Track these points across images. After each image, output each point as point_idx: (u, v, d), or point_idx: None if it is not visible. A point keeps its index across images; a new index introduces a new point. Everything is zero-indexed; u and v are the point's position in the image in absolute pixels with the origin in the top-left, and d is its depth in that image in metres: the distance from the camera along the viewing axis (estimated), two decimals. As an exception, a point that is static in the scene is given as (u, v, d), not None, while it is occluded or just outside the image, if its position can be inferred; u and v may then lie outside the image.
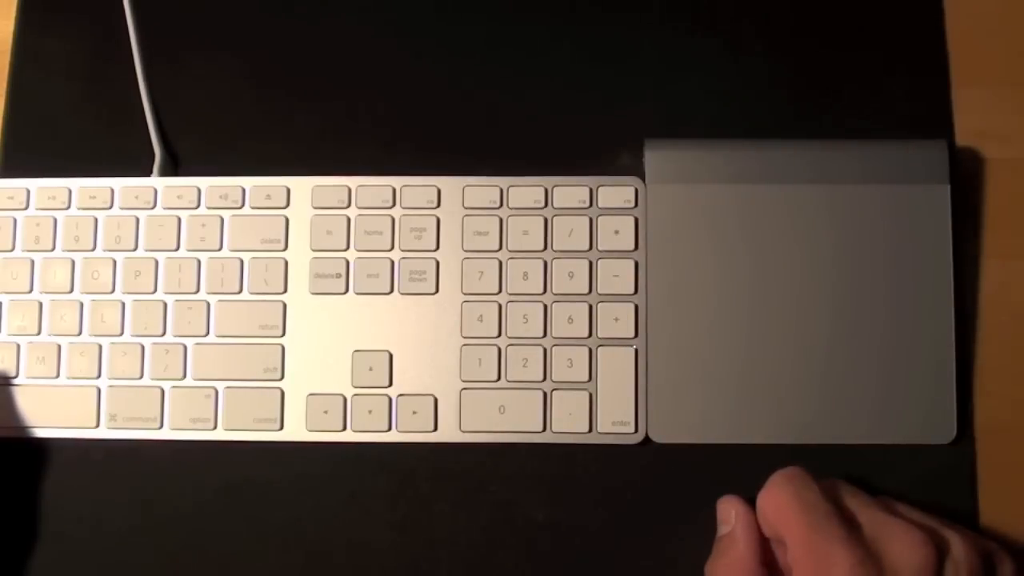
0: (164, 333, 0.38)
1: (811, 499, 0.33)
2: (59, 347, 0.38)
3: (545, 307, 0.38)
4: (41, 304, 0.39)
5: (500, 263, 0.38)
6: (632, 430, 0.37)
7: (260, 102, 0.41)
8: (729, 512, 0.36)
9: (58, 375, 0.38)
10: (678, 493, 0.38)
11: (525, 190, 0.39)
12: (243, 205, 0.39)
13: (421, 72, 0.41)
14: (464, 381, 0.38)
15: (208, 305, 0.39)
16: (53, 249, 0.39)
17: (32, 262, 0.39)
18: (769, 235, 0.38)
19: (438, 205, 0.39)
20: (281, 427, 0.38)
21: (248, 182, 0.39)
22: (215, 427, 0.38)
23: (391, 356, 0.38)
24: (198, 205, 0.39)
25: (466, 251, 0.39)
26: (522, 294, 0.38)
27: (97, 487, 0.39)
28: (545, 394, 0.38)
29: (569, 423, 0.37)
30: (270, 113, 0.41)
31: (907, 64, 0.41)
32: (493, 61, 0.41)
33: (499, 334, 0.38)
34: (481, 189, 0.39)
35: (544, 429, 0.37)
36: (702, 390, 0.37)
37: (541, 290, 0.38)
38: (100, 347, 0.38)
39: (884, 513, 0.33)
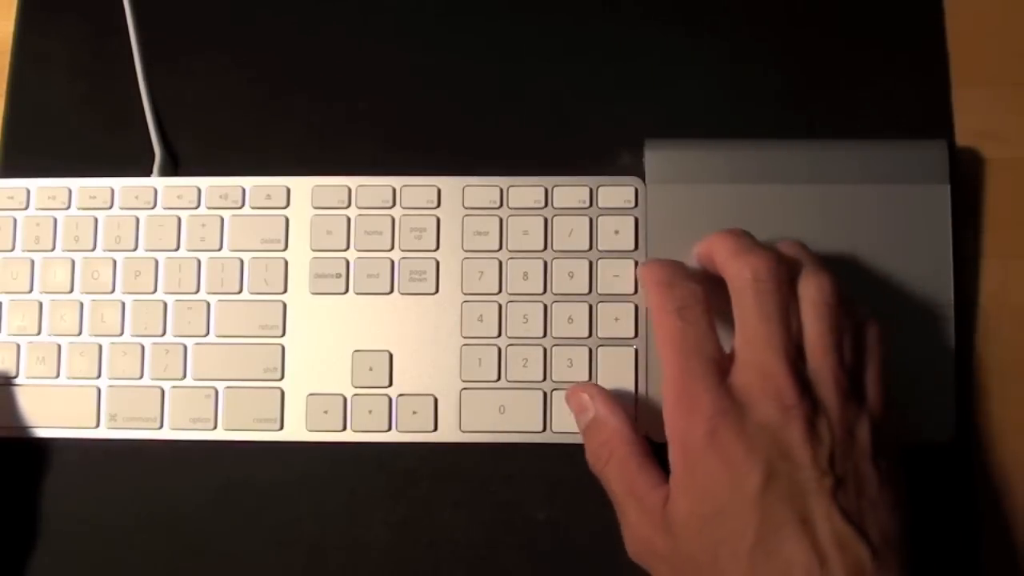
0: (164, 333, 0.38)
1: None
2: (59, 347, 0.38)
3: (545, 307, 0.38)
4: (41, 304, 0.39)
5: (500, 263, 0.38)
6: (632, 430, 0.37)
7: (260, 102, 0.41)
8: (582, 398, 0.35)
9: (58, 375, 0.38)
10: (678, 493, 0.38)
11: (525, 190, 0.39)
12: (243, 205, 0.39)
13: (421, 72, 0.41)
14: (464, 381, 0.38)
15: (208, 305, 0.39)
16: (53, 249, 0.39)
17: (32, 262, 0.39)
18: (769, 235, 0.38)
19: (438, 205, 0.39)
20: (281, 427, 0.38)
21: (248, 182, 0.39)
22: (215, 427, 0.38)
23: (391, 356, 0.38)
24: (198, 205, 0.39)
25: (466, 251, 0.39)
26: (522, 294, 0.38)
27: (97, 487, 0.39)
28: (545, 394, 0.38)
29: (569, 423, 0.37)
30: (270, 113, 0.41)
31: (907, 64, 0.41)
32: (493, 61, 0.41)
33: (499, 334, 0.38)
34: (481, 189, 0.39)
35: (544, 429, 0.37)
36: (702, 390, 0.37)
37: (541, 290, 0.38)
38: (100, 347, 0.38)
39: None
